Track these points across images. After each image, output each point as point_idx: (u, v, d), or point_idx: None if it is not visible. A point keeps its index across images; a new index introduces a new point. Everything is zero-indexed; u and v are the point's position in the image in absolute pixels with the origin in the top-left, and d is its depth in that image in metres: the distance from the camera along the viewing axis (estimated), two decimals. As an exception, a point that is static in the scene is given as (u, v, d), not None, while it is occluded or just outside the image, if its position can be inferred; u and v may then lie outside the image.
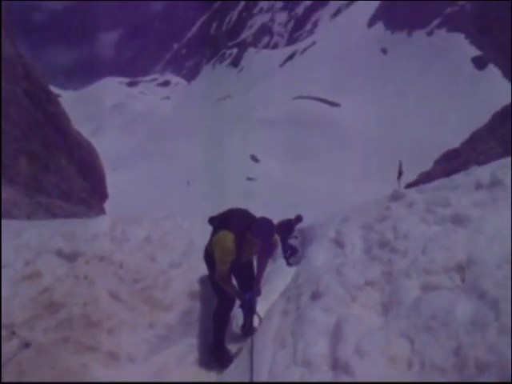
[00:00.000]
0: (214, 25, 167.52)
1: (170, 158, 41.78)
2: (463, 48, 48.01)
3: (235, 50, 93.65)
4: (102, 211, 14.37)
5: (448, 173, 10.11)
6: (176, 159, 40.96)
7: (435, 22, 52.30)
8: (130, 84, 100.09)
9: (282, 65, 72.15)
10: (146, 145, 53.50)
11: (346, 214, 4.22)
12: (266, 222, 2.93)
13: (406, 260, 2.83)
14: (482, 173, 4.60)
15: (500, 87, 42.90)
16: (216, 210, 3.35)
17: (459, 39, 49.06)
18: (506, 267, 2.43)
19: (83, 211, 12.01)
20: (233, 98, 62.31)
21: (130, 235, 3.75)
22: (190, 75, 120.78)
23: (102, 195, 16.51)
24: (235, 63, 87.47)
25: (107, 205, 16.35)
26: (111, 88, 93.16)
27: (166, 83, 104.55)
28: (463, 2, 51.40)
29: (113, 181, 20.11)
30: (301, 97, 47.35)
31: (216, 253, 2.92)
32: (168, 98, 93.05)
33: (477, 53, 46.71)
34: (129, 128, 75.17)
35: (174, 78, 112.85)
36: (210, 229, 3.22)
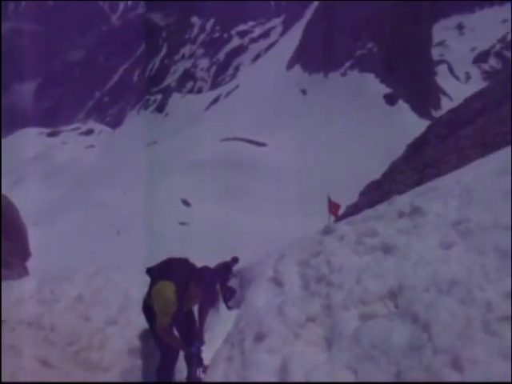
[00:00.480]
0: (137, 72, 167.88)
1: (97, 207, 40.22)
2: (375, 86, 51.99)
3: (159, 96, 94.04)
4: (25, 271, 13.35)
5: (372, 203, 10.67)
6: (104, 209, 39.50)
7: (348, 64, 56.29)
8: (51, 134, 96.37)
9: (207, 108, 73.37)
10: (70, 196, 51.22)
11: (282, 252, 4.30)
12: (207, 271, 2.92)
13: (342, 292, 2.92)
14: (403, 201, 4.93)
15: (410, 120, 46.68)
16: (150, 259, 3.26)
17: (370, 79, 53.13)
18: (432, 290, 2.59)
19: (4, 273, 11.11)
20: (160, 143, 62.02)
21: (60, 295, 3.53)
22: (115, 122, 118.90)
23: (24, 254, 15.38)
24: (160, 109, 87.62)
25: (31, 264, 15.18)
26: (30, 139, 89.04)
27: (90, 132, 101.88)
28: (371, 45, 55.89)
29: (35, 237, 18.85)
30: (228, 139, 48.18)
31: (156, 305, 2.82)
32: (92, 146, 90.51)
33: (387, 90, 50.76)
34: (51, 179, 71.73)
35: (97, 126, 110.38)
36: (146, 280, 3.12)
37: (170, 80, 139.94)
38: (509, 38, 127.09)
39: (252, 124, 54.18)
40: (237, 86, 74.68)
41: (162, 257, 3.24)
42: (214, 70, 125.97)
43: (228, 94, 73.56)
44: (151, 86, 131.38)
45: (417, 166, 11.94)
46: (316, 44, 62.05)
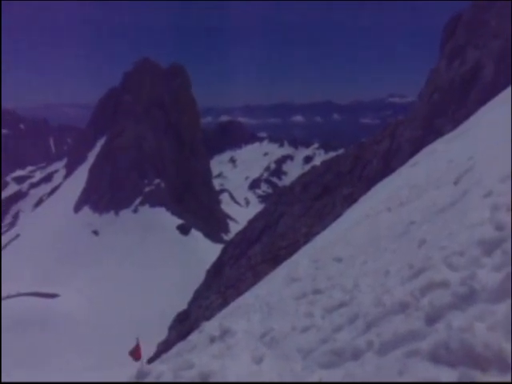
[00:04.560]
0: None
1: None
2: (167, 219, 54.01)
3: None
4: None
5: (184, 335, 10.42)
6: None
7: (138, 201, 57.69)
8: None
9: (-20, 264, 63.56)
10: None
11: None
12: None
13: None
14: (212, 326, 4.97)
15: (205, 246, 49.26)
16: None
17: (161, 212, 55.22)
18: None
19: None
20: None
21: None
22: None
23: None
24: None
25: None
26: None
27: None
28: (158, 181, 59.05)
29: None
30: (10, 296, 41.93)
31: None
32: None
33: (179, 221, 53.21)
34: None
35: None
36: None
37: None
38: (272, 166, 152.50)
39: (40, 274, 48.87)
40: (17, 235, 67.71)
41: None
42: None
43: (7, 244, 65.75)
44: None
45: (219, 288, 12.42)
46: (103, 184, 62.45)
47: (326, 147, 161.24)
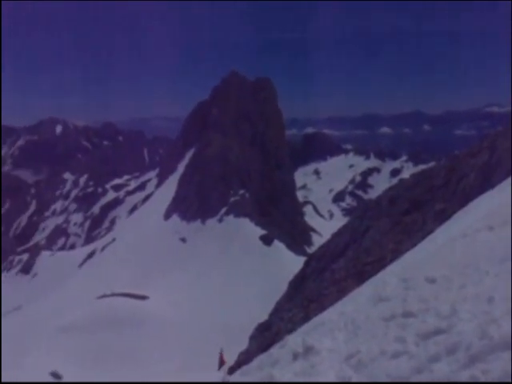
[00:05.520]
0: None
1: None
2: (250, 229, 54.87)
3: (26, 256, 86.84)
4: None
5: (265, 347, 10.39)
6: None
7: (223, 211, 59.35)
8: None
9: (81, 265, 69.26)
10: None
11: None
12: None
13: None
14: (295, 341, 4.86)
15: (287, 258, 49.24)
16: None
17: (245, 222, 56.24)
18: None
19: None
20: (25, 307, 55.40)
21: None
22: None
23: None
24: (27, 269, 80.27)
25: None
26: None
27: None
28: (242, 192, 60.30)
29: None
30: (105, 295, 45.05)
31: None
32: None
33: (262, 232, 53.79)
34: None
35: None
36: None
37: (39, 237, 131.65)
38: (357, 179, 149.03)
39: (132, 277, 52.00)
40: (113, 239, 72.83)
41: None
42: (88, 224, 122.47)
43: (104, 247, 71.01)
44: (17, 245, 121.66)
45: (301, 302, 12.23)
46: (191, 194, 65.17)
47: (415, 160, 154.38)
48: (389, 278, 6.47)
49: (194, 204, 63.29)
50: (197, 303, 44.35)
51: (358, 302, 6.22)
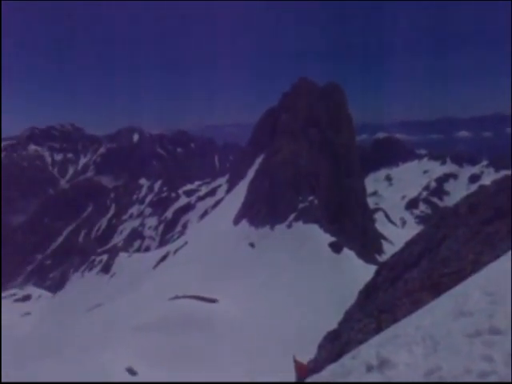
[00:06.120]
0: (83, 233, 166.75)
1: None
2: (319, 236, 54.17)
3: (106, 256, 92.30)
4: None
5: (334, 357, 10.17)
6: (37, 385, 34.88)
7: (292, 216, 59.21)
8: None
9: (155, 266, 72.28)
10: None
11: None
12: None
13: None
14: (368, 353, 4.69)
15: (357, 266, 47.98)
16: None
17: (314, 229, 55.62)
18: None
19: None
20: (104, 305, 58.76)
21: None
22: (56, 286, 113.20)
23: None
24: (106, 269, 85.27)
25: None
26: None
27: (27, 297, 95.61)
28: (312, 198, 59.86)
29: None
30: (177, 297, 46.60)
31: None
32: (28, 313, 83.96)
33: (331, 239, 52.87)
34: (-23, 355, 63.89)
35: (35, 291, 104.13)
36: None
37: (118, 239, 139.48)
38: (432, 185, 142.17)
39: (202, 280, 53.35)
40: (185, 243, 75.30)
41: None
42: (161, 228, 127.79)
43: (176, 250, 73.62)
44: (97, 246, 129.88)
45: (372, 312, 11.84)
46: (260, 200, 65.76)
47: (496, 165, 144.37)
48: (471, 291, 6.06)
49: (262, 210, 63.79)
50: (265, 308, 44.51)
51: (435, 315, 5.88)
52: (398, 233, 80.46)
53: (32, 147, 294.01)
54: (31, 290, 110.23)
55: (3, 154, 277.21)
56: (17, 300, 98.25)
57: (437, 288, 11.62)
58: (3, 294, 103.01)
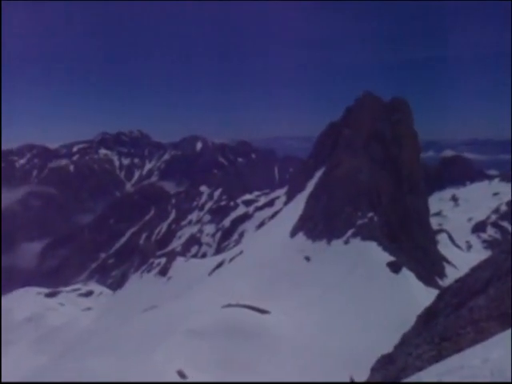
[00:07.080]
0: (144, 235, 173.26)
1: (87, 377, 37.10)
2: (377, 254, 52.48)
3: (164, 260, 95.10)
4: None
5: (389, 380, 9.70)
6: (94, 379, 36.38)
7: (350, 232, 57.98)
8: (49, 295, 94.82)
9: (210, 273, 73.38)
10: (59, 362, 47.73)
11: None
12: None
13: None
14: (429, 381, 4.39)
15: (417, 288, 45.87)
16: None
17: (372, 246, 54.00)
18: None
19: None
20: (160, 307, 60.37)
21: None
22: (116, 285, 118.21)
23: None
24: (163, 272, 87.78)
25: None
26: (26, 299, 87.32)
27: (89, 293, 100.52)
28: (371, 215, 58.32)
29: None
30: (230, 305, 46.90)
31: None
32: (89, 308, 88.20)
33: (390, 258, 51.04)
34: (42, 343, 67.88)
35: (97, 288, 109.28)
36: None
37: (176, 244, 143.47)
38: (503, 209, 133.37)
39: (255, 290, 53.37)
40: (241, 252, 75.87)
41: None
42: (219, 235, 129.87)
43: (232, 259, 74.34)
44: (157, 249, 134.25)
45: (432, 338, 11.21)
46: (318, 213, 65.01)
47: None
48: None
49: (320, 224, 62.98)
50: (317, 324, 43.68)
51: (505, 348, 5.43)
52: (462, 257, 76.34)
53: (102, 151, 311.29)
54: (94, 286, 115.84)
55: (77, 157, 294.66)
56: (80, 295, 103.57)
57: (505, 319, 10.82)
58: (66, 289, 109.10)
